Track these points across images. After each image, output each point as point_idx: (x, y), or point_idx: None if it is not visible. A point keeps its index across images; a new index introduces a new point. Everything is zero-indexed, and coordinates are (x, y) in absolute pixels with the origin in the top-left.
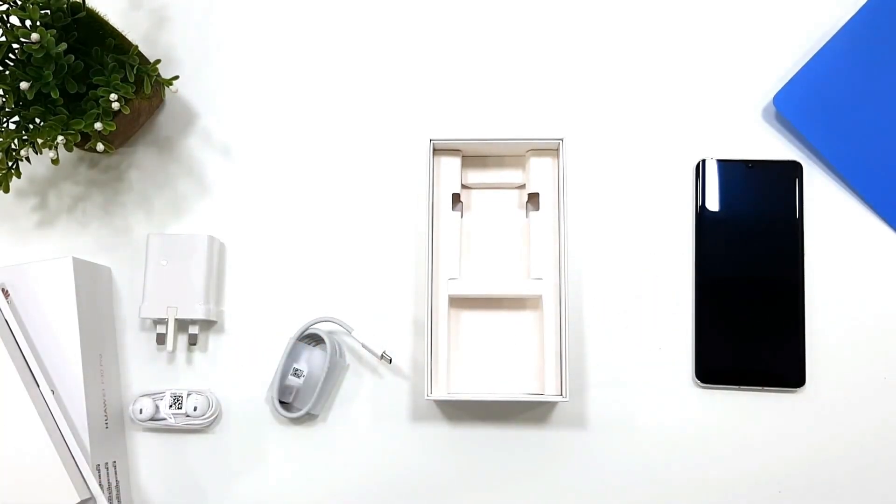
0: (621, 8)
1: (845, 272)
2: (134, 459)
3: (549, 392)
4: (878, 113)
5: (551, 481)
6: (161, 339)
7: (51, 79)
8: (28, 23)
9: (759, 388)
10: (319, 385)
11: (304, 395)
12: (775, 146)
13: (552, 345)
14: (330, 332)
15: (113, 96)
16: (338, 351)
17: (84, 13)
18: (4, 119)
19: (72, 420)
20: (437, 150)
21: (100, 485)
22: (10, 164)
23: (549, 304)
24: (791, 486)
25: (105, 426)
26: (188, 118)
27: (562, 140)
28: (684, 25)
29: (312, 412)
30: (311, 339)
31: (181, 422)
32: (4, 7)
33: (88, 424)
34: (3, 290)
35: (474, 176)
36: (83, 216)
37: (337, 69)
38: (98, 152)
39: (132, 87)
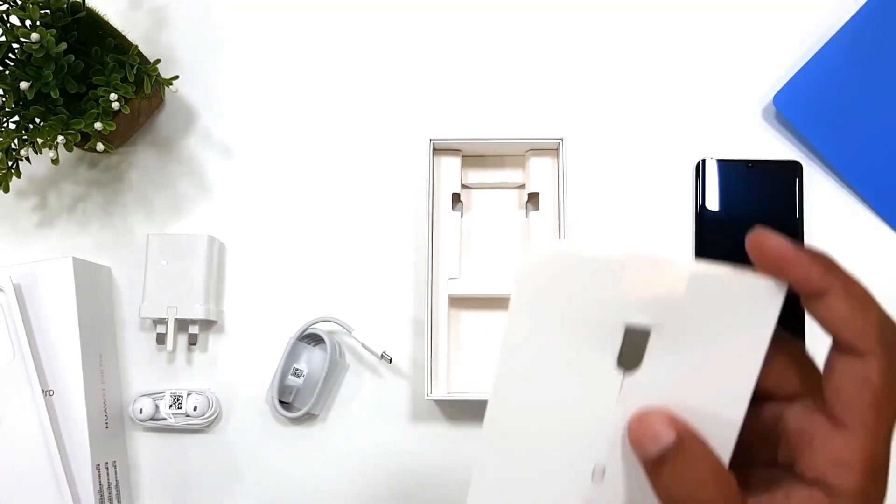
0: (621, 8)
1: None
2: (134, 459)
3: None
4: (878, 113)
5: None
6: (161, 339)
7: (51, 79)
8: (28, 23)
9: None
10: (319, 385)
11: (304, 394)
12: (775, 146)
13: None
14: (330, 332)
15: (113, 96)
16: (338, 351)
17: (84, 13)
18: (4, 119)
19: (69, 423)
20: (437, 150)
21: (100, 485)
22: (10, 164)
23: None
24: None
25: (105, 426)
26: (188, 118)
27: (562, 140)
28: (684, 25)
29: (312, 412)
30: (311, 339)
31: (181, 422)
32: (4, 7)
33: (88, 424)
34: None
35: (474, 176)
36: (83, 216)
37: (337, 69)
38: (98, 152)
39: (132, 87)
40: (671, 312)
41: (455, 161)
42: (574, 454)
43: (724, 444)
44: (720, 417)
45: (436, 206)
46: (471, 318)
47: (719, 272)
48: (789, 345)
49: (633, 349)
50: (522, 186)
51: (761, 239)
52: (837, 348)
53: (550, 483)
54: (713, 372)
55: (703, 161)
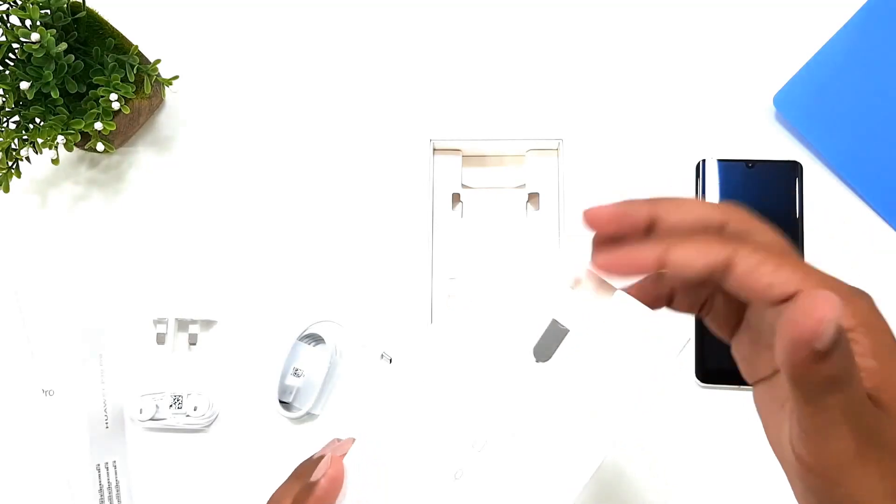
0: (621, 8)
1: (845, 272)
2: (134, 459)
3: None
4: (878, 113)
5: None
6: (161, 338)
7: (51, 79)
8: (28, 23)
9: None
10: (319, 385)
11: (304, 395)
12: (775, 146)
13: None
14: (330, 332)
15: (113, 96)
16: (338, 351)
17: (84, 13)
18: (4, 119)
19: (69, 423)
20: (437, 150)
21: (100, 485)
22: (10, 164)
23: None
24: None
25: (105, 426)
26: (188, 118)
27: (562, 140)
28: (683, 25)
29: (312, 412)
30: (311, 339)
31: (181, 422)
32: (4, 7)
33: (88, 424)
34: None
35: (474, 176)
36: (83, 216)
37: (337, 69)
38: (98, 152)
39: (132, 87)
40: (588, 322)
41: (455, 161)
42: (465, 421)
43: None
44: (597, 427)
45: (436, 206)
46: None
47: (641, 308)
48: None
49: (548, 343)
50: (522, 186)
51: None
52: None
53: (437, 444)
54: (608, 380)
55: (704, 161)
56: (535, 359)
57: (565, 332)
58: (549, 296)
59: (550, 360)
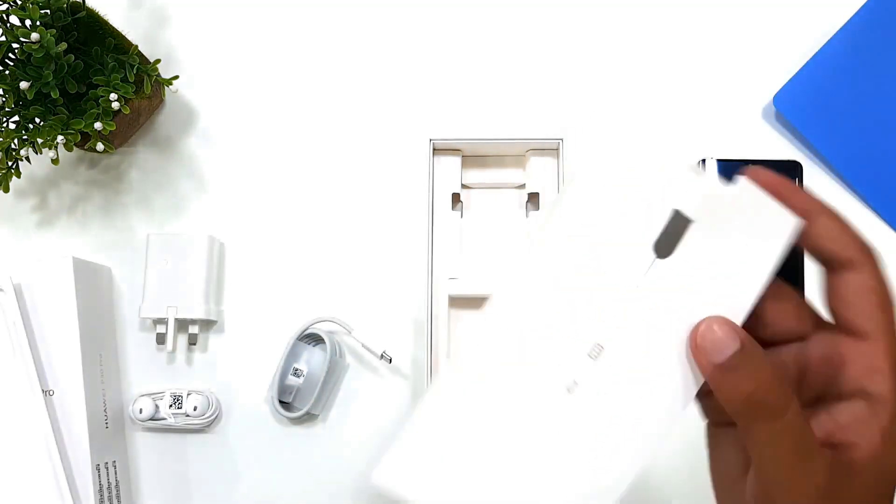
0: (621, 8)
1: None
2: (134, 459)
3: None
4: (878, 113)
5: None
6: (161, 338)
7: (51, 79)
8: (28, 22)
9: None
10: (319, 385)
11: (304, 394)
12: (775, 146)
13: None
14: (330, 332)
15: (113, 96)
16: (338, 351)
17: (84, 13)
18: (4, 119)
19: (69, 423)
20: (437, 150)
21: (100, 485)
22: (10, 164)
23: None
24: None
25: (105, 426)
26: (188, 118)
27: (562, 140)
28: (684, 25)
29: (312, 412)
30: (311, 338)
31: (181, 422)
32: (4, 7)
33: (88, 424)
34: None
35: (474, 176)
36: (83, 216)
37: (337, 69)
38: (98, 152)
39: (132, 87)
40: (713, 212)
41: (455, 161)
42: (578, 327)
43: None
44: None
45: (436, 206)
46: (471, 318)
47: (761, 193)
48: (793, 292)
49: (670, 237)
50: (522, 186)
51: (755, 173)
52: (832, 269)
53: (546, 353)
54: (730, 275)
55: (704, 161)
56: (655, 255)
57: (688, 222)
58: (670, 184)
59: (672, 256)
